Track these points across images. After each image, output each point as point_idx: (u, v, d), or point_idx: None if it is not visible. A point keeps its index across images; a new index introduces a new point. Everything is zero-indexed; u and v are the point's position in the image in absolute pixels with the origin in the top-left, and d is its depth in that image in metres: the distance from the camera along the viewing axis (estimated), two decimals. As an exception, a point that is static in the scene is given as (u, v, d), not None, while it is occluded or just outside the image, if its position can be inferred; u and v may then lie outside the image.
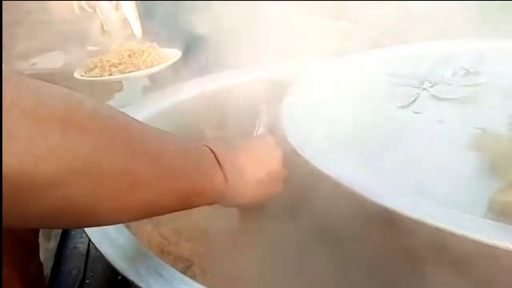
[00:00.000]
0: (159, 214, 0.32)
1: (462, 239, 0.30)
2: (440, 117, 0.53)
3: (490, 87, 0.59)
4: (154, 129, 0.32)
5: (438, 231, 0.31)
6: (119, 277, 0.60)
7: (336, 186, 0.39)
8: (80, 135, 0.24)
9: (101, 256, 0.37)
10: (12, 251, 0.48)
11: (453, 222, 0.31)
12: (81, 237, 0.73)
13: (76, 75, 0.73)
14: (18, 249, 0.52)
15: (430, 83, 0.62)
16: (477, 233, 0.30)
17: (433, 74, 0.64)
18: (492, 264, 0.33)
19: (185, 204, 0.33)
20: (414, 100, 0.57)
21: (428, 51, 0.71)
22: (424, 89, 0.60)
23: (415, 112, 0.55)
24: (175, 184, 0.31)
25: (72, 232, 0.75)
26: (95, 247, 0.38)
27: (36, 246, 0.53)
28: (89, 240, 0.39)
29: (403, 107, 0.56)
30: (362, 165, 0.43)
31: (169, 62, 0.72)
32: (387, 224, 0.40)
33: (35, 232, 0.55)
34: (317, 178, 0.42)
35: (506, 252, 0.28)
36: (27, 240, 0.52)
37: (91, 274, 0.69)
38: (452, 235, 0.30)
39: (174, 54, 0.76)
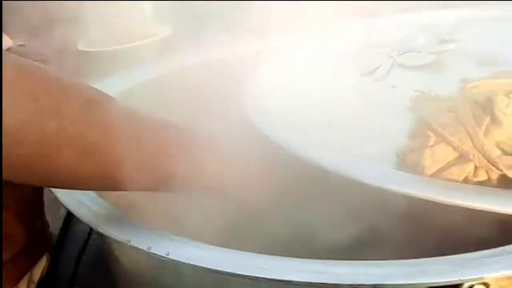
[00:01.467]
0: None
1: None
2: (395, 83, 0.54)
3: (457, 53, 0.58)
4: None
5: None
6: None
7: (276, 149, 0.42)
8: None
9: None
10: (15, 208, 0.55)
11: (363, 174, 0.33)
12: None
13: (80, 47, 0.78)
14: (20, 207, 0.59)
15: (400, 52, 0.62)
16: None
17: (407, 43, 0.64)
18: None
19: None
20: (377, 69, 0.58)
21: (405, 21, 0.70)
22: (391, 57, 0.61)
23: (375, 80, 0.56)
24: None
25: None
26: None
27: (40, 206, 0.60)
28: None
29: (364, 75, 0.57)
30: (304, 130, 0.45)
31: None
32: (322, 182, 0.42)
33: (38, 192, 0.62)
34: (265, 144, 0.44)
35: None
36: (28, 198, 0.59)
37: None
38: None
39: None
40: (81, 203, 0.36)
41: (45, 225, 0.65)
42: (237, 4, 0.64)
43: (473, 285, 0.22)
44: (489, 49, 0.59)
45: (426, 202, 0.29)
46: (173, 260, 0.27)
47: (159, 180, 0.35)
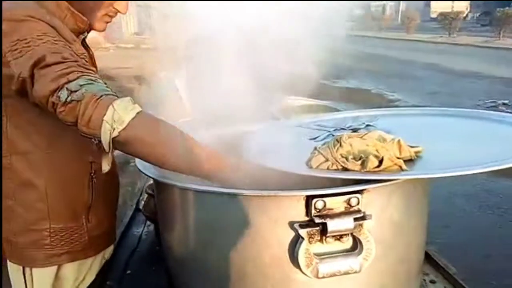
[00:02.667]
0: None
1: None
2: (318, 141, 0.97)
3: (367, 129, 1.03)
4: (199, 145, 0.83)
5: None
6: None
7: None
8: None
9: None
10: (105, 209, 1.02)
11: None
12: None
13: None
14: (108, 209, 1.05)
15: (336, 129, 1.07)
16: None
17: (342, 125, 1.09)
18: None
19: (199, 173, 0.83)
20: (318, 137, 1.03)
21: (346, 116, 1.17)
22: (329, 132, 1.06)
23: (311, 139, 0.99)
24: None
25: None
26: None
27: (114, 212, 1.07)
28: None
29: (310, 139, 1.02)
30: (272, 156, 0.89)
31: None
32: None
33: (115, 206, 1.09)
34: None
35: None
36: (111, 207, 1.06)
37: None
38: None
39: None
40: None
41: (115, 227, 1.10)
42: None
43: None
44: (385, 128, 1.04)
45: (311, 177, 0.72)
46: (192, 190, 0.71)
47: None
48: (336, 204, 0.68)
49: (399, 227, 0.77)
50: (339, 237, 0.69)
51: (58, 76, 0.77)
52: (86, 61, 0.89)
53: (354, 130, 1.05)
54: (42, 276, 0.99)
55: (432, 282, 1.02)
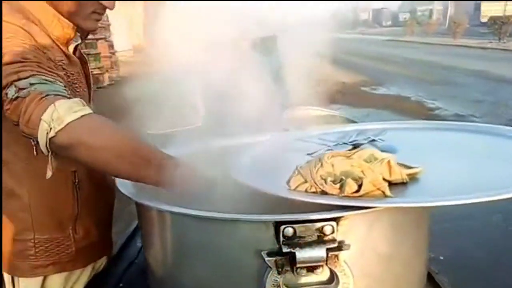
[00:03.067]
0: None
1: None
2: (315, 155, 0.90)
3: (369, 145, 0.95)
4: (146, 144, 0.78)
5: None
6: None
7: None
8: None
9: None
10: (94, 219, 0.99)
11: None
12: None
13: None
14: (97, 219, 1.02)
15: (337, 144, 1.00)
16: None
17: (344, 140, 1.02)
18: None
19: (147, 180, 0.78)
20: (317, 151, 0.96)
21: (351, 129, 1.09)
22: (329, 147, 0.99)
23: (308, 154, 0.93)
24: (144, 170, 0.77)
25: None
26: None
27: (108, 224, 1.04)
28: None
29: (307, 154, 0.95)
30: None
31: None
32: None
33: (109, 214, 1.06)
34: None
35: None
36: (100, 215, 1.02)
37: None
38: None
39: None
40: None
41: (110, 239, 1.07)
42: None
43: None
44: (390, 144, 0.95)
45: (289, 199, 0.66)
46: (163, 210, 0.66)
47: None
48: (308, 232, 0.61)
49: (386, 259, 0.69)
50: (312, 269, 0.62)
51: (10, 73, 0.74)
52: (64, 68, 0.87)
53: (356, 146, 0.98)
54: (28, 286, 0.97)
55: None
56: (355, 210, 0.62)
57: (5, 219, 0.95)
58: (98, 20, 0.97)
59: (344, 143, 1.00)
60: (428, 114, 6.49)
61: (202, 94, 1.55)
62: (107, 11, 0.97)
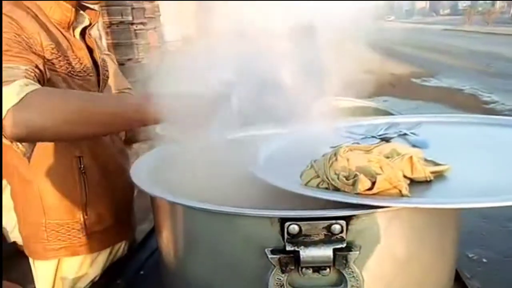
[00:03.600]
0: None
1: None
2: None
3: (398, 139, 0.89)
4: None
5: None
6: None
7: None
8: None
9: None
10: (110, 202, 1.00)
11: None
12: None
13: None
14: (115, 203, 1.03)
15: (365, 137, 0.94)
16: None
17: (373, 133, 0.96)
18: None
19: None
20: (341, 145, 0.91)
21: (381, 121, 1.03)
22: (355, 140, 0.93)
23: (332, 147, 0.87)
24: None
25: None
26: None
27: (127, 207, 1.04)
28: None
29: (331, 147, 0.90)
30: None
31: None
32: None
33: (129, 198, 1.06)
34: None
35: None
36: (120, 198, 1.02)
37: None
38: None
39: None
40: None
41: (128, 224, 1.07)
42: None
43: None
44: (422, 138, 0.89)
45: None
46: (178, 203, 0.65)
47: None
48: (314, 230, 0.57)
49: (403, 263, 0.63)
50: (318, 269, 0.59)
51: None
52: (54, 52, 0.87)
53: (384, 140, 0.92)
54: (44, 267, 1.01)
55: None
56: (367, 209, 0.57)
57: (22, 205, 1.00)
58: None
59: (373, 137, 0.94)
60: (482, 108, 6.13)
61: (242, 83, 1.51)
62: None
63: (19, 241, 2.32)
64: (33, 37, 0.83)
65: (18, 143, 0.91)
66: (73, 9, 0.92)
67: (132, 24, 6.76)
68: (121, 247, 1.12)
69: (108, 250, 1.08)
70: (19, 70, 0.74)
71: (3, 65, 0.73)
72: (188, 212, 0.67)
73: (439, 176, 0.66)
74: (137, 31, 6.47)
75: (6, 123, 0.69)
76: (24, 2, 0.86)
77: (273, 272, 0.59)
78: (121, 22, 6.27)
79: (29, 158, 0.93)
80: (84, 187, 0.98)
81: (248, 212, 0.60)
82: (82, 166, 0.96)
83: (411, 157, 0.64)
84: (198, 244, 0.68)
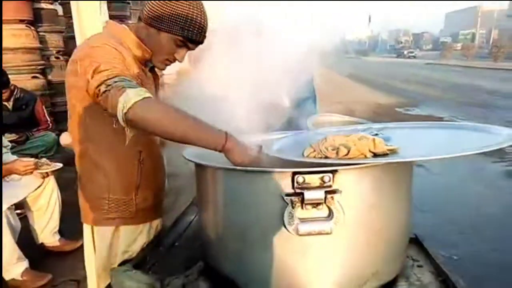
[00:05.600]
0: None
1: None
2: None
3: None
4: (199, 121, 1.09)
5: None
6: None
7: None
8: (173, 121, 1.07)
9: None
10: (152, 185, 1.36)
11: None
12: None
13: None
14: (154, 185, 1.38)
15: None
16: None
17: (355, 132, 1.32)
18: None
19: (209, 147, 1.09)
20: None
21: (365, 127, 1.39)
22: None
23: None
24: (204, 139, 1.09)
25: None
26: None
27: (161, 189, 1.39)
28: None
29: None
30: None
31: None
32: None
33: (162, 182, 1.41)
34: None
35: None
36: (154, 185, 1.38)
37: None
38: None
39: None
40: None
41: (161, 206, 1.43)
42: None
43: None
44: (387, 135, 1.25)
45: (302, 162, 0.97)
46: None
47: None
48: (313, 180, 0.92)
49: (371, 204, 0.98)
50: (316, 205, 0.93)
51: (102, 76, 1.09)
52: (140, 79, 1.23)
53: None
54: (103, 233, 1.35)
55: (419, 266, 1.19)
56: (344, 166, 0.93)
57: (88, 184, 1.34)
58: (168, 65, 1.33)
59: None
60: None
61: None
62: None
63: (47, 242, 2.63)
64: (131, 67, 1.20)
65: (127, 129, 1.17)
66: (150, 52, 1.28)
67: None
68: (158, 224, 1.46)
69: (148, 225, 1.41)
70: (134, 83, 1.09)
71: (122, 76, 1.08)
72: (227, 173, 1.02)
73: (393, 152, 1.02)
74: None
75: (136, 110, 1.02)
76: (119, 38, 1.23)
77: (287, 208, 0.93)
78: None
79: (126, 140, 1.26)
80: (140, 174, 1.33)
81: (271, 169, 0.95)
82: (141, 158, 1.31)
83: (374, 139, 1.00)
84: (235, 198, 1.02)
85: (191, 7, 1.22)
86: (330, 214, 0.94)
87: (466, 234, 3.27)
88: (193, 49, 1.30)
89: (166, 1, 1.21)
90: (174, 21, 1.21)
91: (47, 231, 2.65)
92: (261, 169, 0.98)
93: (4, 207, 2.23)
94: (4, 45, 4.90)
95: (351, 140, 1.01)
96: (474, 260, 2.82)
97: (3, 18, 4.98)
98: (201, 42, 1.29)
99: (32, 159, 2.59)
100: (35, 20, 5.43)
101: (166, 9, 1.21)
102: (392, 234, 1.05)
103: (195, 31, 1.24)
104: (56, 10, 6.13)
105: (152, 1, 1.23)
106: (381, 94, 12.04)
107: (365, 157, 0.95)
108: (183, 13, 1.21)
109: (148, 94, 1.05)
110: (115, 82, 1.07)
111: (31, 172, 2.45)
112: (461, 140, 1.15)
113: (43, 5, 5.79)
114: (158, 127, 1.06)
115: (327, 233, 0.93)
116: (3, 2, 4.94)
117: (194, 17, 1.23)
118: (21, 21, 5.13)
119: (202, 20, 1.25)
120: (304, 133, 1.49)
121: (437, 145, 1.16)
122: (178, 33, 1.23)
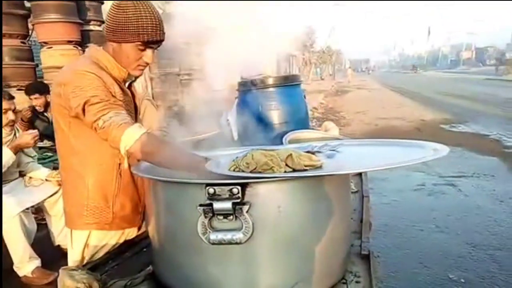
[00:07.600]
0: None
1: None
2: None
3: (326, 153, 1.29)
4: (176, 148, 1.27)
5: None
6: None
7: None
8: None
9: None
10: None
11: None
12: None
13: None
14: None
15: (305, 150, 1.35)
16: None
17: (310, 148, 1.36)
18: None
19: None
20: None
21: (325, 143, 1.43)
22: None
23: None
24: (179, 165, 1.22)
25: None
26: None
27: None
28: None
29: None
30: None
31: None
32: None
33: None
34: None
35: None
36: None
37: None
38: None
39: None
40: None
41: (139, 216, 1.55)
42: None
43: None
44: (333, 152, 1.28)
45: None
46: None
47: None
48: (222, 192, 0.98)
49: (284, 216, 1.01)
50: (226, 216, 0.99)
51: (97, 112, 1.26)
52: (120, 99, 1.36)
53: (312, 152, 1.31)
54: (79, 236, 1.47)
55: (357, 282, 1.19)
56: (252, 179, 0.98)
57: (71, 192, 1.47)
58: (142, 70, 1.45)
59: (308, 151, 1.33)
60: (502, 152, 6.27)
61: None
62: None
63: (63, 244, 2.82)
64: (112, 87, 1.34)
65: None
66: (127, 72, 1.43)
67: (178, 75, 7.63)
68: (132, 231, 1.57)
69: (121, 231, 1.52)
70: (125, 114, 1.28)
71: (114, 111, 1.28)
72: (155, 183, 1.10)
73: (313, 168, 1.06)
74: (182, 81, 7.29)
75: (135, 147, 1.24)
76: (98, 61, 1.37)
77: (199, 218, 1.00)
78: (168, 73, 7.15)
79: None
80: (118, 185, 1.45)
81: (189, 181, 1.02)
82: (120, 170, 1.44)
83: (291, 154, 1.05)
84: (165, 207, 1.10)
85: (139, 11, 1.30)
86: (242, 226, 0.99)
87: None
88: (158, 47, 1.41)
89: (115, 13, 1.31)
90: (127, 30, 1.31)
91: (63, 235, 2.86)
92: (180, 180, 1.06)
93: (19, 210, 2.47)
94: (52, 63, 5.39)
95: (267, 155, 1.06)
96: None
97: (53, 40, 5.47)
98: (162, 40, 1.37)
99: (35, 130, 2.80)
100: (83, 41, 5.88)
101: (117, 21, 1.31)
102: (311, 247, 1.07)
103: (149, 32, 1.32)
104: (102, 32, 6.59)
105: (107, 17, 1.35)
106: (429, 110, 11.65)
107: (273, 171, 1.00)
108: (132, 20, 1.30)
109: (143, 130, 1.26)
110: (111, 117, 1.26)
111: (41, 140, 2.62)
112: (395, 155, 1.17)
113: (92, 27, 6.27)
114: (151, 157, 1.27)
115: (237, 243, 0.99)
116: (53, 25, 5.43)
117: (144, 19, 1.30)
118: (69, 42, 5.58)
119: (154, 20, 1.32)
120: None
121: (372, 160, 1.18)
122: (135, 40, 1.33)
